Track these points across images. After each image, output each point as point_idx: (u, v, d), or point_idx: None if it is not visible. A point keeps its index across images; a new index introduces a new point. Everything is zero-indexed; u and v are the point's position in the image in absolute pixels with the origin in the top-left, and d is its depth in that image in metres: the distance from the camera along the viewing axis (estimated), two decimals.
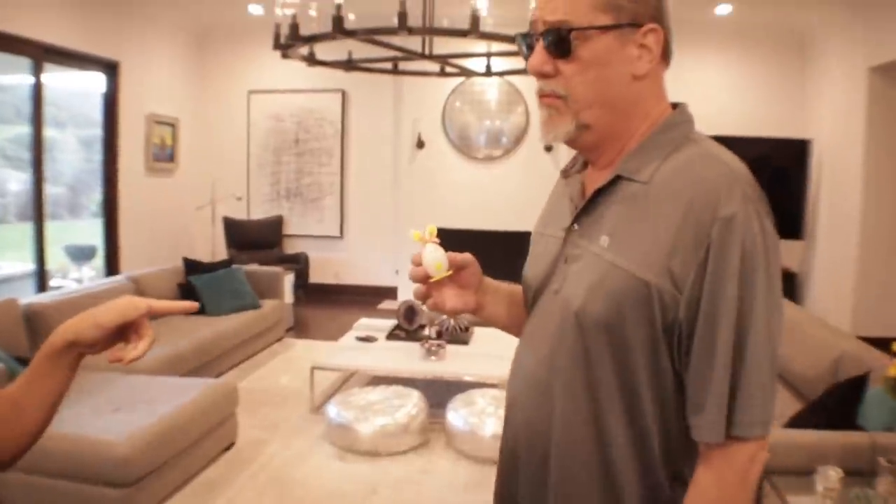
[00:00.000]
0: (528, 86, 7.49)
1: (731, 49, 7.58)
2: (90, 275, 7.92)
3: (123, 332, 1.09)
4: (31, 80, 6.10)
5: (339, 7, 3.49)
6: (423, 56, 4.41)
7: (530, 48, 1.18)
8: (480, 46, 5.89)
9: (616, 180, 1.14)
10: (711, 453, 1.05)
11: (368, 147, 8.09)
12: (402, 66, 5.10)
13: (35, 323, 4.47)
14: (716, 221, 1.01)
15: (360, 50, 4.70)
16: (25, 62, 5.94)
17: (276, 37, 4.02)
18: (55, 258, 6.53)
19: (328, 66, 4.65)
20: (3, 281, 7.08)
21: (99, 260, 7.77)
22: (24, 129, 8.58)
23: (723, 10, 7.05)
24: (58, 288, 6.65)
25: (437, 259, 1.23)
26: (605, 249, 1.11)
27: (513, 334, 1.45)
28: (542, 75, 1.15)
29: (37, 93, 6.05)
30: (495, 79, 7.45)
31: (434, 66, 5.29)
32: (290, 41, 3.84)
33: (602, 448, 1.11)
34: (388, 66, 4.98)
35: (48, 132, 6.13)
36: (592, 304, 1.09)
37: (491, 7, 4.32)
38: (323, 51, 4.56)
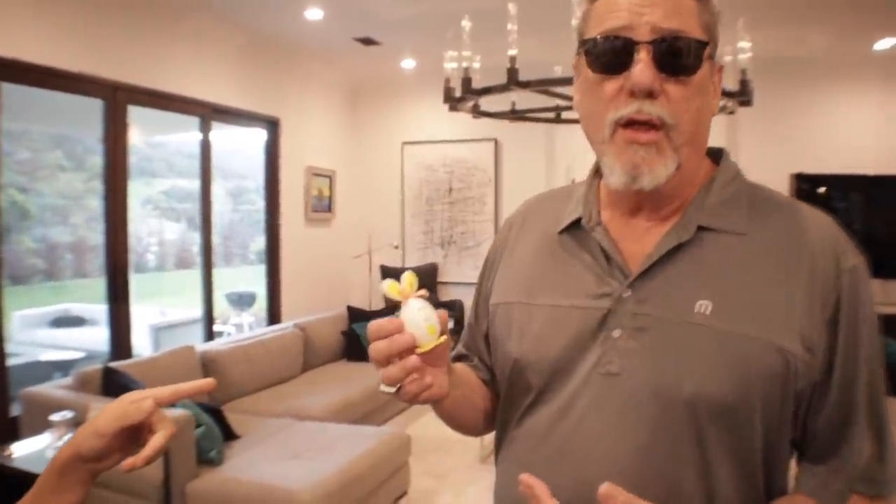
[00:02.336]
0: None
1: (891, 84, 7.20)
2: (249, 321, 8.19)
3: (135, 433, 0.95)
4: (189, 137, 6.42)
5: (512, 59, 3.50)
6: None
7: (623, 56, 0.94)
8: None
9: (690, 233, 0.98)
10: None
11: (522, 194, 7.41)
12: (564, 114, 5.08)
13: (211, 369, 4.64)
14: (842, 274, 0.94)
15: (523, 99, 4.71)
16: (180, 121, 6.26)
17: (446, 91, 4.07)
18: (215, 304, 6.76)
19: (494, 116, 4.67)
20: (171, 327, 7.38)
21: (257, 306, 8.02)
22: (176, 183, 9.01)
23: (883, 44, 6.72)
24: (220, 334, 6.90)
25: (429, 320, 0.91)
26: (708, 317, 0.93)
27: (462, 431, 1.24)
28: (649, 94, 0.93)
29: (205, 149, 6.32)
30: None
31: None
32: (463, 94, 3.87)
33: None
34: (551, 115, 4.97)
35: (196, 184, 6.36)
36: (713, 385, 0.91)
37: None
38: (486, 102, 4.59)
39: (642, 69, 0.92)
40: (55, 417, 3.26)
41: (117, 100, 5.35)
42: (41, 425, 3.35)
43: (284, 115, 7.15)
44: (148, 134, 7.95)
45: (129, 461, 0.93)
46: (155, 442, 0.93)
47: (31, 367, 6.02)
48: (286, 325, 5.99)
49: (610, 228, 1.06)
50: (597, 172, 1.13)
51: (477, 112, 4.55)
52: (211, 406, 3.99)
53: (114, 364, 4.00)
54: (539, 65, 4.08)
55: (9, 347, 4.78)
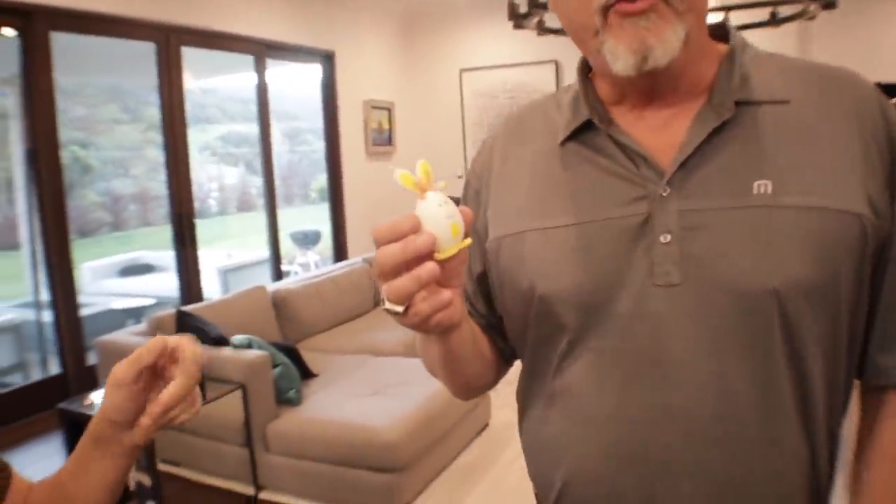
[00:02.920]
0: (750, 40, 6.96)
1: None
2: (315, 259, 8.18)
3: (157, 384, 0.86)
4: (242, 79, 6.35)
5: None
6: None
7: None
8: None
9: (731, 110, 0.86)
10: None
11: None
12: None
13: (283, 308, 4.58)
14: (892, 128, 0.86)
15: None
16: (233, 63, 6.15)
17: (511, 6, 3.87)
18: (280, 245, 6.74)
19: (559, 34, 4.43)
20: (239, 269, 7.39)
21: (322, 244, 7.99)
22: (231, 128, 9.06)
23: None
24: (287, 273, 6.88)
25: (452, 217, 0.73)
26: (771, 196, 0.82)
27: (459, 386, 1.07)
28: None
29: (261, 89, 6.22)
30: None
31: None
32: (529, 10, 3.68)
33: (806, 426, 0.86)
34: None
35: (253, 128, 6.32)
36: (798, 267, 0.81)
37: None
38: (550, 18, 4.36)
39: None
40: None
41: (170, 42, 5.25)
42: None
43: (339, 48, 7.00)
44: (202, 77, 7.93)
45: (141, 420, 0.83)
46: (164, 396, 0.82)
47: (104, 317, 6.07)
48: (354, 260, 5.90)
49: (624, 125, 0.92)
50: (587, 72, 0.99)
51: (542, 29, 4.31)
52: (287, 345, 3.92)
53: (187, 307, 3.94)
54: None
55: (81, 298, 4.80)
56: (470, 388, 1.08)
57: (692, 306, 0.83)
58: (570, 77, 5.21)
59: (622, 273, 0.86)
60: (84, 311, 5.00)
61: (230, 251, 8.03)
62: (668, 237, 0.84)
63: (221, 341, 3.53)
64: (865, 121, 0.86)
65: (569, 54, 7.14)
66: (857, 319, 0.88)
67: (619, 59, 0.83)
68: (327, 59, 6.98)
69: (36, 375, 5.16)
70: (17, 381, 5.15)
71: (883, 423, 0.91)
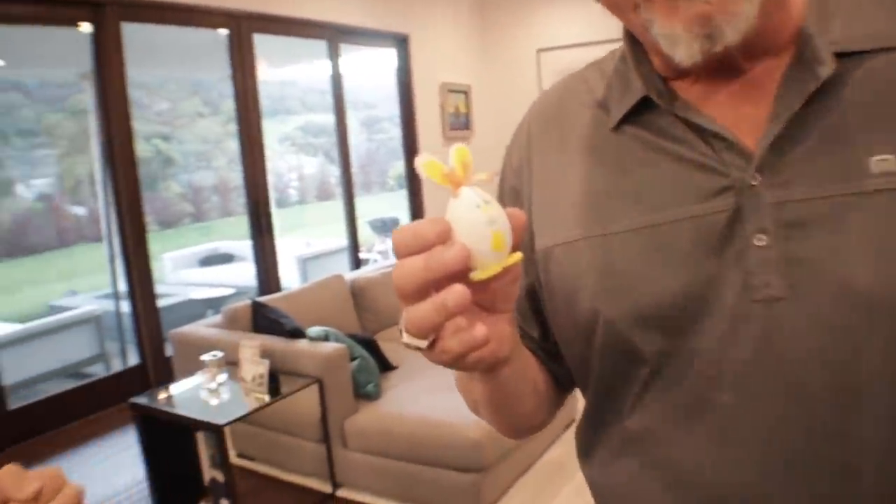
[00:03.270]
0: None
1: None
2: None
3: None
4: (318, 68, 6.30)
5: None
6: None
7: None
8: None
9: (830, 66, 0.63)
10: None
11: None
12: None
13: (361, 298, 4.45)
14: None
15: None
16: (309, 50, 6.08)
17: None
18: (359, 232, 6.69)
19: None
20: (317, 257, 7.36)
21: None
22: (310, 118, 9.13)
23: None
24: (366, 261, 6.81)
25: (495, 223, 0.52)
26: None
27: (508, 427, 0.86)
28: None
29: (335, 76, 6.15)
30: None
31: None
32: None
33: None
34: None
35: (330, 118, 6.26)
36: None
37: None
38: None
39: None
40: (206, 357, 3.12)
41: (241, 29, 5.18)
42: (193, 365, 3.23)
43: (414, 31, 6.86)
44: (277, 65, 7.94)
45: None
46: None
47: (183, 307, 6.10)
48: None
49: (692, 98, 0.69)
50: (633, 41, 0.75)
51: None
52: (365, 337, 3.78)
53: (262, 298, 3.84)
54: None
55: (162, 288, 4.78)
56: (520, 428, 0.87)
57: (803, 326, 0.62)
58: None
59: (710, 287, 0.65)
60: (164, 302, 5.01)
61: (309, 240, 8.03)
62: (764, 238, 0.64)
63: (297, 334, 3.42)
64: None
65: None
66: None
67: (680, 45, 0.62)
68: (402, 43, 6.86)
69: (117, 366, 5.19)
70: (99, 371, 5.18)
71: None
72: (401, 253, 0.53)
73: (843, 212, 0.61)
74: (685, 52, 0.62)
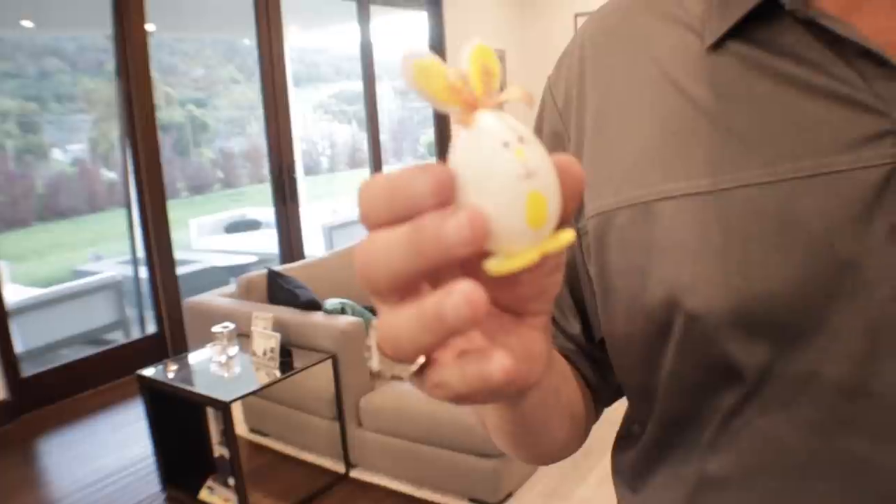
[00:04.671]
0: None
1: None
2: None
3: None
4: (350, 32, 6.12)
5: None
6: None
7: None
8: None
9: None
10: None
11: None
12: None
13: None
14: None
15: None
16: (341, 13, 5.93)
17: None
18: None
19: None
20: (344, 226, 7.27)
21: None
22: (343, 86, 9.06)
23: None
24: None
25: (532, 177, 0.30)
26: None
27: (530, 454, 0.62)
28: None
29: (365, 41, 6.00)
30: None
31: None
32: None
33: None
34: None
35: (362, 85, 6.16)
36: None
37: None
38: None
39: None
40: (217, 329, 2.99)
41: None
42: (207, 336, 3.10)
43: None
44: (306, 28, 7.82)
45: None
46: None
47: (206, 274, 6.02)
48: None
49: (833, 7, 0.48)
50: None
51: None
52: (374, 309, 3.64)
53: (279, 268, 3.69)
54: None
55: (187, 255, 4.68)
56: (545, 457, 0.64)
57: None
58: None
59: (850, 278, 0.45)
60: (186, 269, 4.92)
61: (336, 208, 7.90)
62: None
63: (313, 305, 3.27)
64: None
65: None
66: None
67: None
68: (434, 5, 6.65)
69: (135, 334, 5.12)
70: (118, 338, 5.11)
71: None
72: (371, 220, 0.31)
73: None
74: None
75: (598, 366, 0.65)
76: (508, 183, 0.30)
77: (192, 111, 7.88)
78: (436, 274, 0.31)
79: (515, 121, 0.32)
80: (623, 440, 0.65)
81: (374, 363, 0.45)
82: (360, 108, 7.38)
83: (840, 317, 0.45)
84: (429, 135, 7.37)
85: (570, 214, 0.33)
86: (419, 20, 6.71)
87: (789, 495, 0.48)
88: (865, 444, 0.45)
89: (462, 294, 0.28)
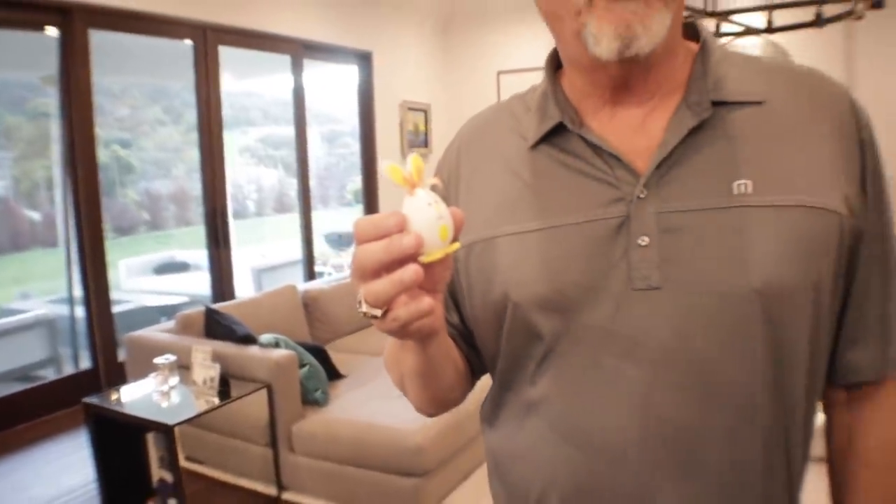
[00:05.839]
0: (795, 46, 6.83)
1: None
2: (349, 261, 8.18)
3: None
4: (281, 81, 6.40)
5: None
6: (704, 13, 4.02)
7: None
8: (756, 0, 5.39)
9: (708, 110, 0.83)
10: (882, 393, 0.91)
11: None
12: None
13: (313, 308, 4.55)
14: (862, 127, 0.86)
15: None
16: (274, 63, 6.22)
17: None
18: (315, 246, 6.76)
19: None
20: (273, 269, 7.42)
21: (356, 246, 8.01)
22: (271, 131, 9.15)
23: None
24: (321, 274, 6.88)
25: (442, 218, 0.67)
26: (752, 195, 0.80)
27: (430, 400, 0.98)
28: None
29: (298, 90, 6.28)
30: (756, 40, 6.84)
31: (710, 25, 4.86)
32: None
33: (785, 431, 0.84)
34: None
35: (292, 130, 6.41)
36: (782, 265, 0.79)
37: None
38: None
39: None
40: (158, 360, 3.19)
41: (207, 41, 5.28)
42: (146, 369, 3.30)
43: (377, 49, 7.00)
44: (242, 78, 7.98)
45: None
46: None
47: (137, 313, 6.10)
48: None
49: (596, 126, 0.88)
50: (556, 69, 0.95)
51: None
52: (315, 346, 3.88)
53: (216, 305, 3.92)
54: None
55: (117, 295, 4.82)
56: (439, 401, 0.99)
57: (673, 310, 0.80)
58: None
59: (600, 278, 0.82)
60: (119, 308, 5.03)
61: (265, 252, 8.06)
62: (647, 240, 0.81)
63: (249, 340, 3.50)
64: (837, 120, 0.85)
65: None
66: (835, 321, 0.88)
67: (603, 42, 0.78)
68: (364, 60, 6.98)
69: (68, 370, 5.20)
70: (49, 374, 5.19)
71: (863, 425, 0.92)
72: (362, 239, 0.65)
73: (708, 222, 0.79)
74: (606, 48, 0.78)
75: (469, 343, 1.00)
76: (430, 222, 0.65)
77: (116, 151, 7.81)
78: (392, 266, 0.64)
79: (433, 193, 0.66)
80: (484, 401, 1.02)
81: (363, 308, 0.65)
82: (287, 153, 7.54)
83: (598, 297, 0.82)
84: (356, 182, 7.60)
85: (457, 235, 0.68)
86: (350, 71, 7.02)
87: (580, 401, 0.84)
88: (617, 361, 0.81)
89: (413, 267, 0.64)
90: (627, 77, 0.84)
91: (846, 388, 0.93)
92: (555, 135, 0.89)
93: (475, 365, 1.02)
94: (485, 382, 1.03)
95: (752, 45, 7.16)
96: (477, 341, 0.98)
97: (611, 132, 0.86)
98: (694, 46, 0.90)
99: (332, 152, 9.12)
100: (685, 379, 0.79)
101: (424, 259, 0.65)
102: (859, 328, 0.89)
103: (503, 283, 0.87)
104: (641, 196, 0.81)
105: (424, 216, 0.65)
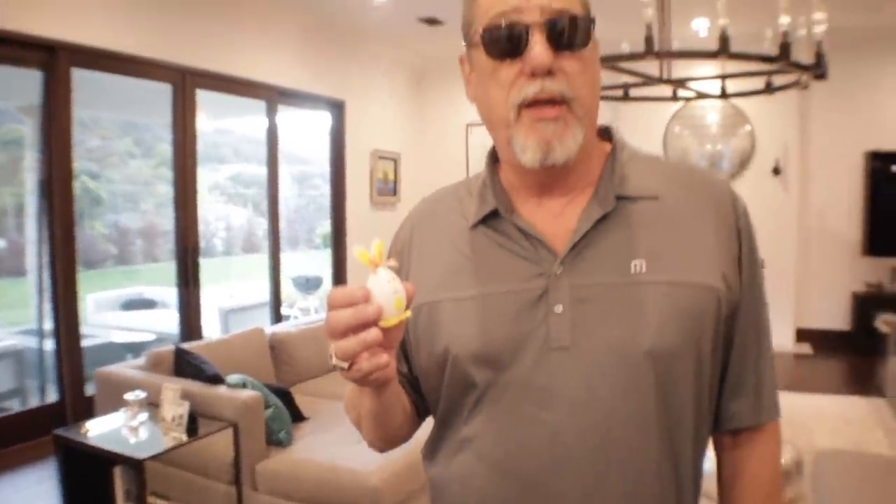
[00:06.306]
0: (752, 107, 7.15)
1: None
2: (315, 304, 8.25)
3: None
4: (255, 122, 6.57)
5: None
6: (660, 80, 4.26)
7: (516, 41, 0.96)
8: (711, 69, 5.67)
9: (612, 204, 1.04)
10: (757, 437, 1.10)
11: None
12: (631, 92, 4.96)
13: (279, 351, 4.66)
14: (739, 217, 1.06)
15: None
16: (247, 106, 6.38)
17: None
18: (282, 288, 6.83)
19: None
20: (240, 310, 7.48)
21: (323, 289, 8.08)
22: (242, 168, 9.16)
23: None
24: (287, 317, 6.97)
25: (398, 292, 0.85)
26: (646, 274, 0.99)
27: (384, 437, 1.16)
28: (549, 73, 0.95)
29: (271, 133, 6.44)
30: (717, 101, 7.15)
31: (664, 92, 5.12)
32: None
33: (674, 468, 1.01)
34: (619, 93, 4.86)
35: (262, 169, 6.52)
36: (667, 333, 0.97)
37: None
38: None
39: (540, 50, 0.95)
40: (129, 396, 3.30)
41: (185, 84, 5.43)
42: (115, 404, 3.40)
43: (350, 98, 7.18)
44: (215, 118, 8.07)
45: None
46: None
47: (104, 349, 6.15)
48: None
49: (525, 213, 1.07)
50: (495, 162, 1.14)
51: None
52: (280, 388, 4.00)
53: (185, 345, 4.03)
54: (606, 42, 3.97)
55: (83, 329, 4.90)
56: (390, 439, 1.17)
57: (581, 367, 0.97)
58: None
59: (523, 338, 1.00)
60: (85, 342, 5.09)
61: (232, 292, 8.12)
62: (561, 308, 0.99)
63: (216, 380, 3.62)
64: (720, 212, 1.05)
65: None
66: (714, 376, 1.05)
67: (527, 152, 0.98)
68: (337, 108, 7.17)
69: (34, 402, 5.25)
70: (14, 406, 5.23)
71: (741, 463, 1.11)
72: (335, 305, 0.84)
73: (610, 295, 0.98)
74: (530, 158, 0.98)
75: (416, 391, 1.17)
76: (388, 295, 0.83)
77: (86, 182, 7.72)
78: (358, 328, 0.82)
79: (391, 272, 0.84)
80: (426, 441, 1.19)
81: (334, 361, 0.77)
82: (256, 192, 7.62)
83: (521, 354, 0.99)
84: (325, 226, 7.70)
85: (409, 305, 0.86)
86: (323, 116, 7.22)
87: (503, 439, 1.01)
88: (535, 408, 0.98)
89: (375, 331, 0.83)
90: (550, 178, 1.04)
91: (731, 434, 1.11)
92: (491, 218, 1.07)
93: (420, 408, 1.20)
94: (428, 426, 1.20)
95: (710, 107, 7.50)
96: (422, 388, 1.15)
97: (536, 219, 1.05)
98: (608, 147, 1.11)
99: (303, 193, 9.17)
100: (590, 424, 0.96)
101: (383, 324, 0.84)
102: (738, 382, 1.08)
103: (445, 339, 1.04)
104: (558, 272, 1.00)
105: (384, 291, 0.84)
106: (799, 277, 7.52)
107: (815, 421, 5.10)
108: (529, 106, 0.97)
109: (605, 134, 1.13)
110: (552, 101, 0.96)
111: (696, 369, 1.00)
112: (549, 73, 0.95)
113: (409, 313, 0.87)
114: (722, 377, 1.07)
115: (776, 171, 7.37)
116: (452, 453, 1.09)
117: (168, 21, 5.22)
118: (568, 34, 0.96)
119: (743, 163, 7.56)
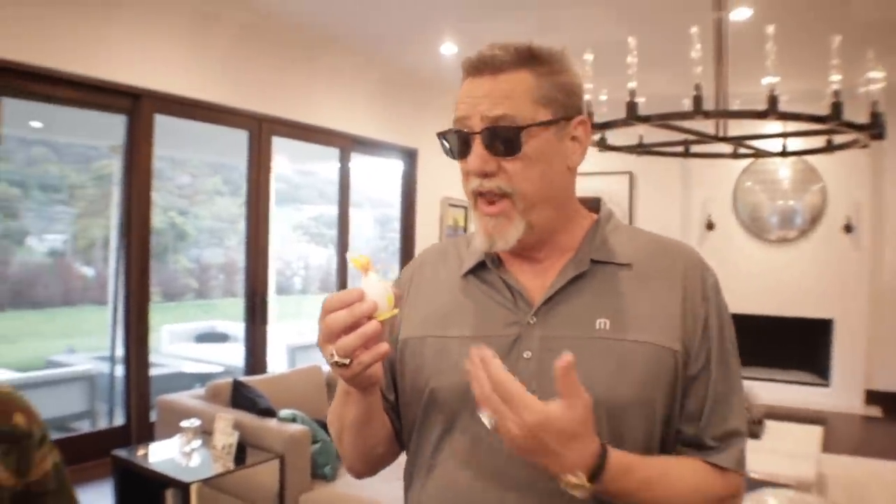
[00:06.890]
0: (824, 164, 7.07)
1: None
2: None
3: None
4: (333, 168, 6.80)
5: (632, 93, 3.51)
6: (715, 138, 4.31)
7: (464, 144, 1.13)
8: (774, 126, 5.66)
9: (586, 266, 1.15)
10: (715, 470, 1.13)
11: (657, 229, 7.45)
12: (693, 148, 5.00)
13: (334, 388, 4.78)
14: (707, 287, 1.15)
15: (651, 133, 4.67)
16: (327, 151, 6.61)
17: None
18: None
19: (619, 150, 4.67)
20: (307, 347, 7.66)
21: None
22: (325, 210, 9.32)
23: None
24: None
25: (388, 290, 0.99)
26: (608, 331, 1.10)
27: (365, 454, 1.24)
28: (484, 174, 1.11)
29: (343, 178, 6.65)
30: (789, 157, 7.09)
31: (726, 148, 5.14)
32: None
33: None
34: (680, 149, 4.91)
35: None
36: (622, 385, 1.07)
37: (782, 83, 4.12)
38: (614, 135, 4.59)
39: (473, 157, 1.11)
40: (184, 424, 3.49)
41: (262, 131, 5.70)
42: (173, 430, 3.60)
43: (422, 146, 7.37)
44: (293, 163, 8.31)
45: None
46: None
47: (174, 378, 6.42)
48: None
49: (511, 268, 1.20)
50: None
51: (603, 146, 4.56)
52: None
53: (245, 378, 4.22)
54: (667, 98, 4.07)
55: (157, 358, 5.14)
56: (368, 456, 1.26)
57: None
58: (645, 187, 5.57)
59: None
60: (156, 371, 5.35)
61: (302, 329, 8.32)
62: (530, 354, 1.11)
63: (269, 413, 3.78)
64: (688, 281, 1.15)
65: (643, 166, 7.39)
66: (669, 427, 1.13)
67: (478, 238, 1.16)
68: (410, 156, 7.38)
69: (102, 424, 5.52)
70: (84, 427, 5.51)
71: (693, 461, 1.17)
72: (330, 309, 0.98)
73: (574, 347, 1.03)
74: (479, 242, 1.15)
75: (399, 418, 1.27)
76: (380, 293, 0.99)
77: (173, 218, 8.08)
78: (354, 326, 0.97)
79: (378, 275, 1.01)
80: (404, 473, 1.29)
81: (336, 359, 0.87)
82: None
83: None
84: (396, 270, 7.84)
85: (397, 304, 1.02)
86: (395, 164, 7.44)
87: (467, 465, 1.12)
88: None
89: (373, 322, 0.98)
90: (521, 249, 1.16)
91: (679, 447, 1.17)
92: (480, 269, 1.22)
93: (401, 436, 1.30)
94: None
95: (781, 162, 7.43)
96: (402, 416, 1.26)
97: (519, 273, 1.19)
98: (594, 217, 1.24)
99: (384, 235, 9.37)
100: (531, 469, 1.04)
101: (378, 318, 0.97)
102: (697, 435, 1.13)
103: (427, 372, 1.17)
104: (531, 322, 1.12)
105: (376, 289, 0.98)
106: (870, 337, 7.31)
107: (878, 487, 4.96)
108: (480, 195, 1.13)
109: (595, 205, 1.26)
110: (493, 195, 1.11)
111: (646, 416, 1.09)
112: (486, 174, 1.10)
113: (397, 310, 1.01)
114: (680, 411, 1.13)
115: (848, 228, 7.25)
116: (423, 480, 1.19)
117: (245, 70, 5.51)
118: (500, 141, 1.09)
119: (814, 219, 7.45)
